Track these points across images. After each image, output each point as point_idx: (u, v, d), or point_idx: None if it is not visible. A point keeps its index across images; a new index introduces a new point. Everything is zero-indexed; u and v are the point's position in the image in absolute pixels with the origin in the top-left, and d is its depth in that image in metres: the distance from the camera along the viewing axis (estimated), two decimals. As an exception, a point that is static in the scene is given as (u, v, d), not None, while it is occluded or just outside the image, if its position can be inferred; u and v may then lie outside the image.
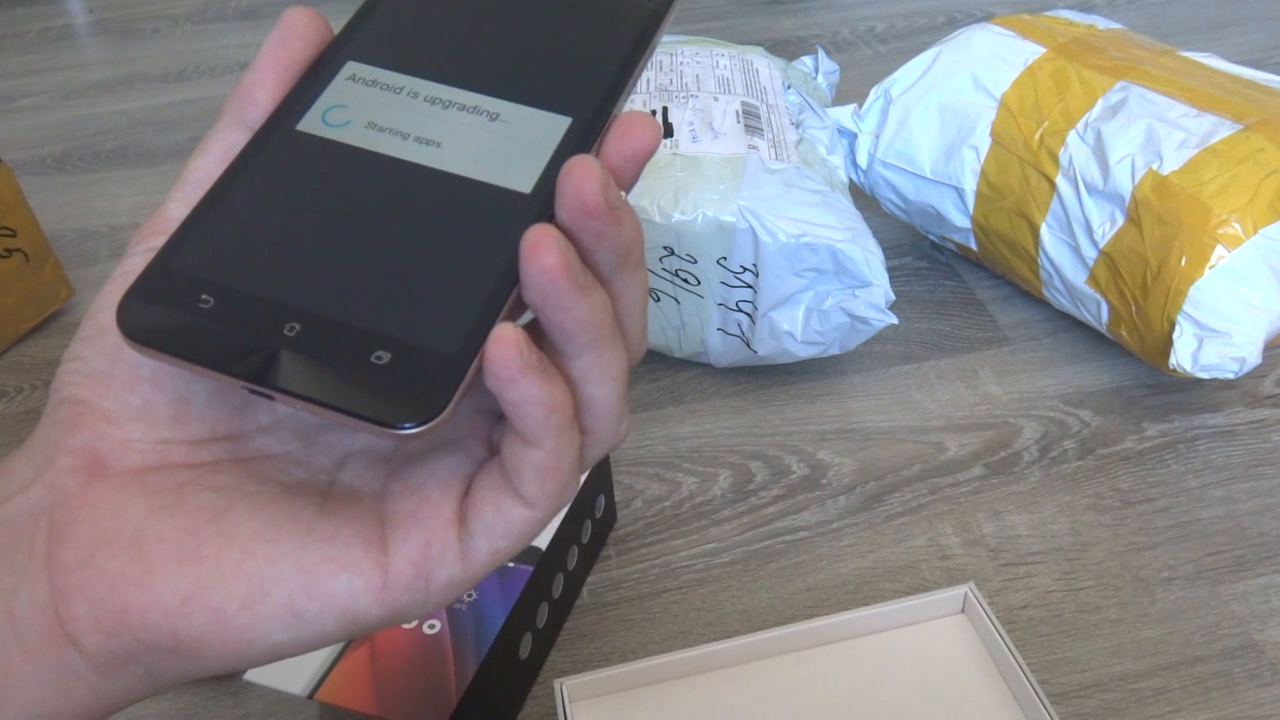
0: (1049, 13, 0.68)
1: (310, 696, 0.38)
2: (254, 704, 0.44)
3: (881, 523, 0.52)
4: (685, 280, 0.57)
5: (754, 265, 0.54)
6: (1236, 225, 0.51)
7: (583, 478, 0.39)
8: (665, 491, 0.54)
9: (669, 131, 0.58)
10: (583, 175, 0.20)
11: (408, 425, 0.19)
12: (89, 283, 0.73)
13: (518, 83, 0.24)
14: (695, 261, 0.55)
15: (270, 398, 0.20)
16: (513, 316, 0.22)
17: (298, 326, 0.20)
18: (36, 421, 0.62)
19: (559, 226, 0.21)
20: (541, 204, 0.22)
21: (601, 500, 0.50)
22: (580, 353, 0.21)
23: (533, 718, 0.44)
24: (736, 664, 0.43)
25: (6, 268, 0.65)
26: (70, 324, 0.69)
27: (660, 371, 0.62)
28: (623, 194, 0.22)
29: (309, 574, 0.21)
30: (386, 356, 0.20)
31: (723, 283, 0.56)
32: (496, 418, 0.24)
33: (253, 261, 0.21)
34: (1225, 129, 0.54)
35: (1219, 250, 0.51)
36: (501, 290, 0.21)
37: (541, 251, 0.20)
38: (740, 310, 0.57)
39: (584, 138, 0.23)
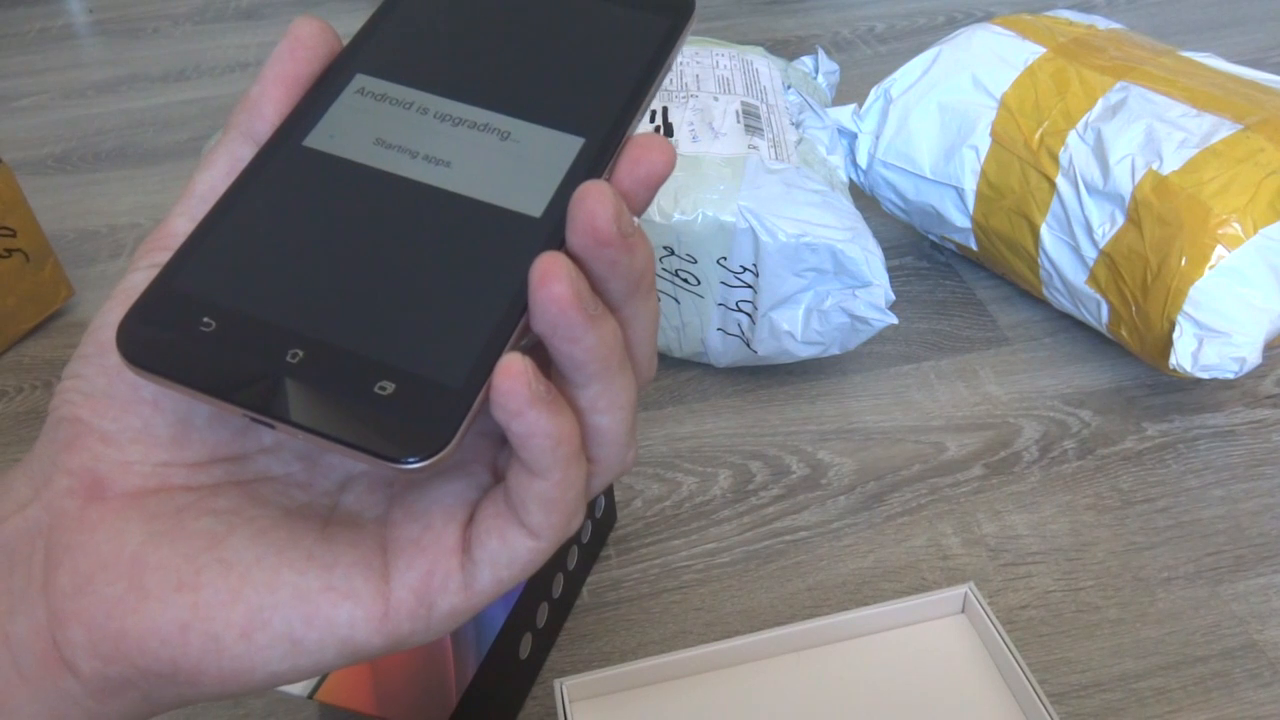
0: (1049, 13, 0.68)
1: (310, 696, 0.38)
2: (254, 704, 0.44)
3: (881, 523, 0.52)
4: (685, 280, 0.57)
5: (754, 265, 0.54)
6: (1236, 225, 0.51)
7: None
8: (665, 491, 0.54)
9: (669, 131, 0.58)
10: (595, 202, 0.20)
11: (411, 460, 0.19)
12: (89, 283, 0.73)
13: (530, 100, 0.23)
14: (695, 261, 0.55)
15: (271, 426, 0.20)
16: (519, 344, 0.21)
17: (300, 353, 0.20)
18: (36, 421, 0.62)
19: (569, 253, 0.21)
20: (552, 229, 0.22)
21: (601, 500, 0.50)
22: (589, 383, 0.21)
23: (533, 718, 0.44)
24: (736, 664, 0.43)
25: (6, 268, 0.65)
26: (70, 324, 0.69)
27: (660, 371, 0.62)
28: (635, 220, 0.21)
29: (309, 602, 0.21)
30: (390, 387, 0.20)
31: (723, 283, 0.56)
32: (501, 442, 0.23)
33: (255, 284, 0.21)
34: (1225, 129, 0.54)
35: (1219, 250, 0.51)
36: (509, 319, 0.21)
37: (551, 280, 0.19)
38: (740, 310, 0.57)
39: (597, 160, 0.22)
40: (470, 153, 0.23)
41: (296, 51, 0.24)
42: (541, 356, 0.23)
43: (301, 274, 0.21)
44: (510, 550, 0.21)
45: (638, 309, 0.22)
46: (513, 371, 0.19)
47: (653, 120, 0.59)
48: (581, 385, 0.21)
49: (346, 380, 0.20)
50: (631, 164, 0.22)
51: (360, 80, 0.24)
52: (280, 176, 0.22)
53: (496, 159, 0.23)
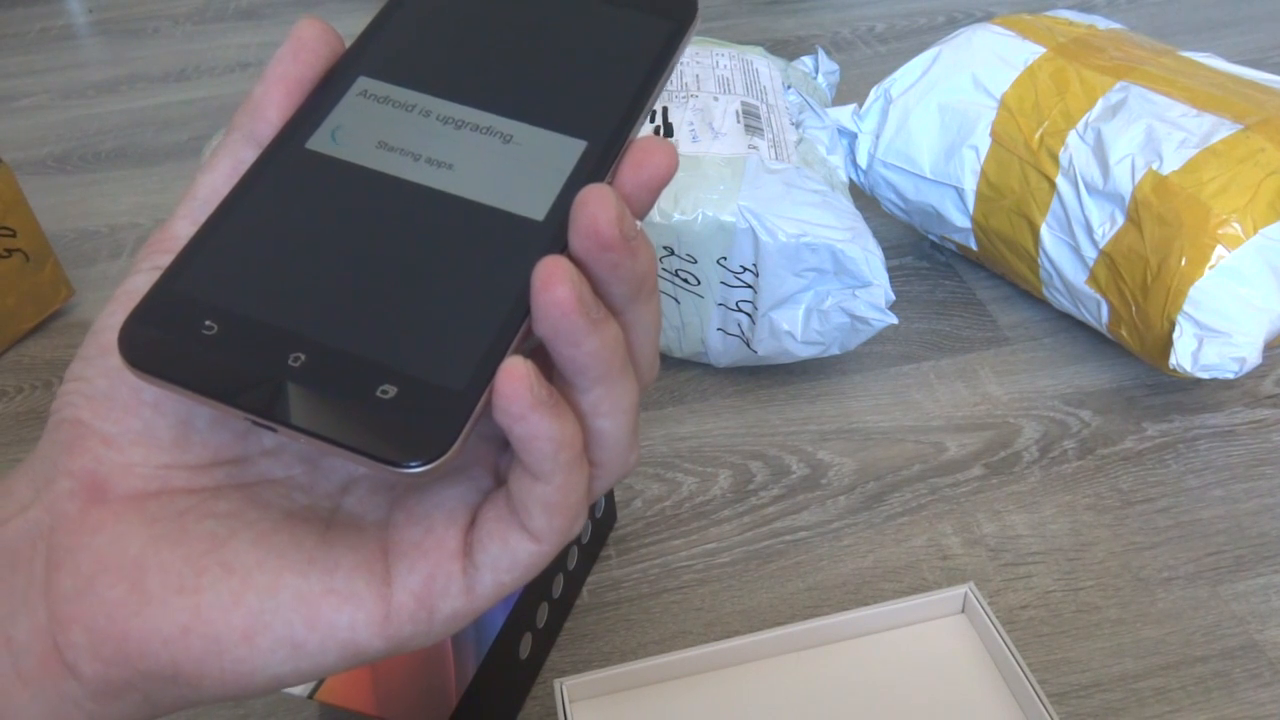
0: (1049, 13, 0.68)
1: (310, 696, 0.38)
2: (254, 704, 0.44)
3: (881, 523, 0.52)
4: (685, 280, 0.57)
5: (754, 265, 0.54)
6: (1236, 225, 0.51)
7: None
8: (665, 491, 0.54)
9: (669, 131, 0.58)
10: (597, 206, 0.20)
11: (413, 464, 0.19)
12: (89, 283, 0.73)
13: (533, 103, 0.23)
14: (695, 261, 0.55)
15: (273, 430, 0.20)
16: (521, 347, 0.21)
17: (302, 357, 0.20)
18: (36, 422, 0.62)
19: (571, 257, 0.21)
20: (554, 233, 0.21)
21: (601, 500, 0.50)
22: (591, 386, 0.21)
23: (533, 718, 0.44)
24: (736, 664, 0.43)
25: (6, 268, 0.65)
26: (70, 324, 0.69)
27: (660, 371, 0.62)
28: (638, 224, 0.21)
29: (310, 606, 0.21)
30: (392, 391, 0.20)
31: (723, 283, 0.56)
32: (503, 445, 0.23)
33: (257, 287, 0.21)
34: (1225, 129, 0.54)
35: (1219, 250, 0.51)
36: (511, 322, 0.21)
37: (553, 284, 0.19)
38: (740, 310, 0.57)
39: (599, 163, 0.22)
40: (473, 156, 0.23)
41: (299, 53, 0.24)
42: (544, 360, 0.23)
43: (304, 277, 0.21)
44: (512, 554, 0.21)
45: (640, 312, 0.22)
46: (515, 375, 0.19)
47: (653, 120, 0.59)
48: (584, 389, 0.21)
49: (348, 384, 0.20)
50: (634, 167, 0.22)
51: (363, 83, 0.24)
52: (282, 179, 0.22)
53: (499, 162, 0.23)
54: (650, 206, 0.23)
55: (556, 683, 0.41)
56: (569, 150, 0.23)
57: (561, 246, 0.21)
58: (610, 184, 0.22)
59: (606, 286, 0.21)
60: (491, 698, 0.41)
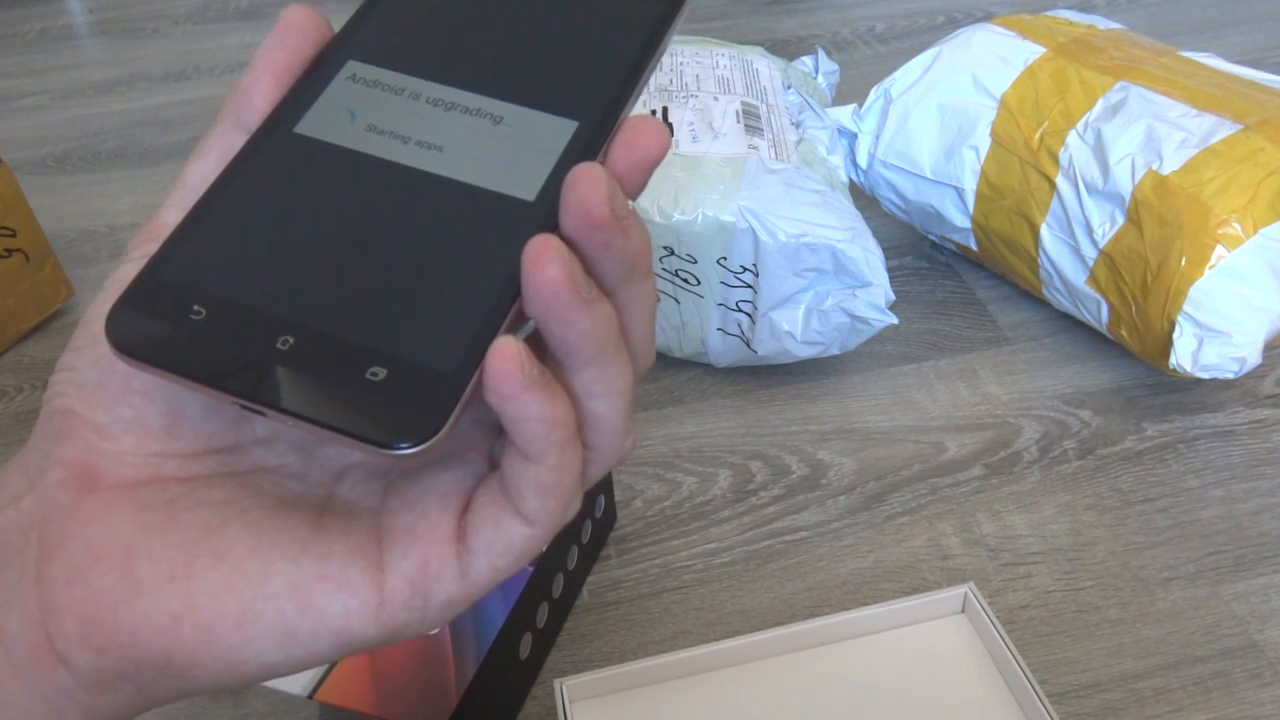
0: (1049, 13, 0.68)
1: (310, 696, 0.38)
2: (254, 704, 0.44)
3: (881, 523, 0.52)
4: (685, 280, 0.57)
5: (754, 265, 0.54)
6: (1236, 225, 0.51)
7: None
8: (665, 491, 0.54)
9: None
10: (588, 185, 0.20)
11: (403, 446, 0.19)
12: (89, 283, 0.73)
13: (523, 84, 0.23)
14: (695, 261, 0.55)
15: (262, 414, 0.20)
16: (513, 329, 0.21)
17: (291, 340, 0.20)
18: (36, 422, 0.62)
19: (563, 236, 0.21)
20: (545, 213, 0.21)
21: (601, 500, 0.50)
22: (584, 367, 0.21)
23: (533, 718, 0.44)
24: (736, 664, 0.43)
25: (6, 268, 0.65)
26: (70, 324, 0.69)
27: (660, 371, 0.62)
28: (629, 203, 0.21)
29: (303, 593, 0.20)
30: (382, 373, 0.20)
31: (723, 283, 0.56)
32: (497, 430, 0.23)
33: (245, 271, 0.21)
34: (1225, 129, 0.54)
35: (1219, 250, 0.51)
36: (502, 303, 0.20)
37: (544, 263, 0.19)
38: (740, 310, 0.57)
39: (590, 143, 0.22)
40: (463, 137, 0.23)
41: (287, 39, 0.23)
42: (538, 343, 0.23)
43: (292, 261, 0.21)
44: (506, 538, 0.21)
45: (633, 293, 0.22)
46: (506, 354, 0.19)
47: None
48: (576, 370, 0.21)
49: (338, 366, 0.20)
50: (625, 147, 0.22)
51: (352, 66, 0.24)
52: (271, 164, 0.22)
53: (489, 143, 0.22)
54: (642, 186, 0.22)
55: (556, 683, 0.41)
56: (560, 130, 0.23)
57: (553, 227, 0.21)
58: (602, 163, 0.22)
59: (598, 266, 0.21)
60: (491, 698, 0.41)
